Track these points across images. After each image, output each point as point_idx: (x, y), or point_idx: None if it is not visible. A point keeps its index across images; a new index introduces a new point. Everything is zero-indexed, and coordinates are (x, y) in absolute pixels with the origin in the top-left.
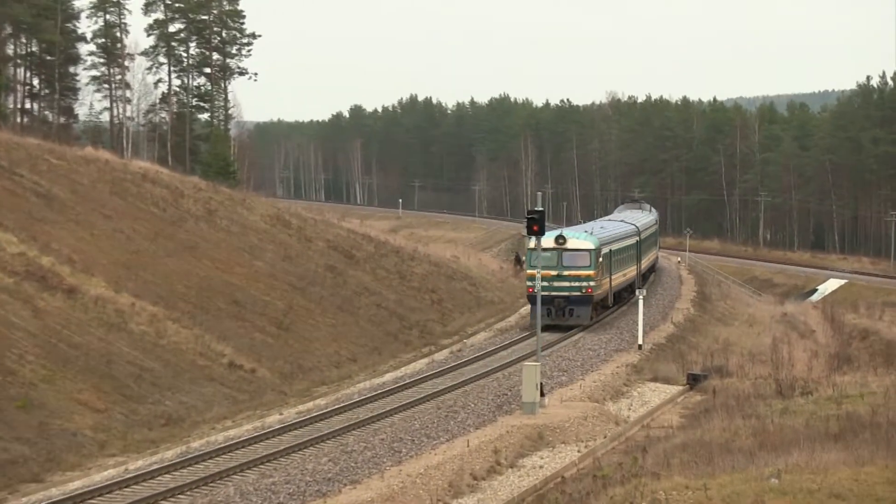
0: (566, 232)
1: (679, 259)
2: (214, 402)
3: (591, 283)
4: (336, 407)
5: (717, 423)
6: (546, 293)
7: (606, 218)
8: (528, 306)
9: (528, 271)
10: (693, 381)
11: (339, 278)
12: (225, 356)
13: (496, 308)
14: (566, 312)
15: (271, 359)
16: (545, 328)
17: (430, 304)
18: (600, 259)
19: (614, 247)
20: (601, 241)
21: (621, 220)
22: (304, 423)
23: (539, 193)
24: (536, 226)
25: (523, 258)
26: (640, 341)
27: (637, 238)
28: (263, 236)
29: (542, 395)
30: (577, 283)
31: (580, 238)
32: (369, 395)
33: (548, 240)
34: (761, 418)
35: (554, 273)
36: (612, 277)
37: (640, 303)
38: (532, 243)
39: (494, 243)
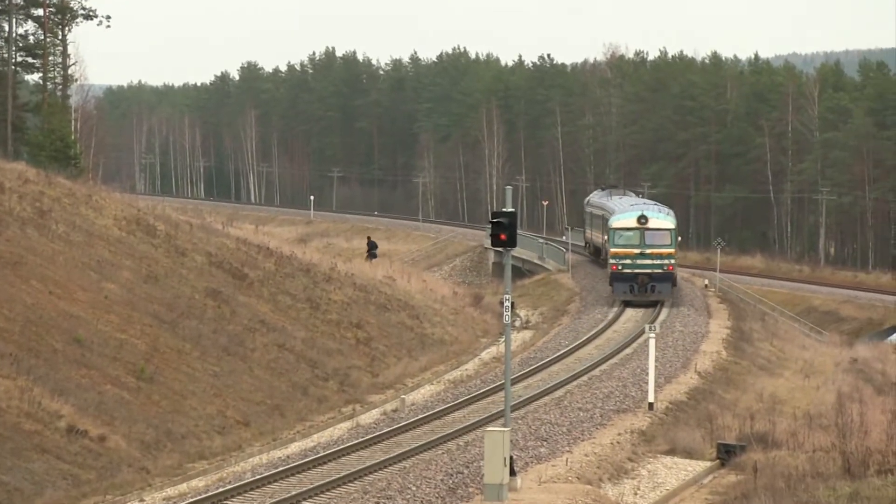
0: (647, 211)
1: (706, 282)
2: (47, 482)
3: (673, 261)
4: (220, 490)
5: None
6: (630, 271)
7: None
8: (491, 349)
9: (613, 250)
10: (725, 454)
11: (224, 308)
12: (62, 418)
13: (448, 351)
14: (648, 289)
15: (128, 422)
16: (628, 304)
17: (353, 344)
18: (678, 238)
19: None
20: (675, 221)
21: (655, 203)
22: None
23: (509, 188)
24: (505, 234)
25: (377, 245)
26: (650, 398)
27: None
28: (117, 248)
29: (513, 473)
30: (659, 261)
31: (661, 217)
32: (267, 475)
33: (630, 219)
34: None
35: (637, 251)
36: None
37: (652, 344)
38: (616, 223)
39: (445, 259)
